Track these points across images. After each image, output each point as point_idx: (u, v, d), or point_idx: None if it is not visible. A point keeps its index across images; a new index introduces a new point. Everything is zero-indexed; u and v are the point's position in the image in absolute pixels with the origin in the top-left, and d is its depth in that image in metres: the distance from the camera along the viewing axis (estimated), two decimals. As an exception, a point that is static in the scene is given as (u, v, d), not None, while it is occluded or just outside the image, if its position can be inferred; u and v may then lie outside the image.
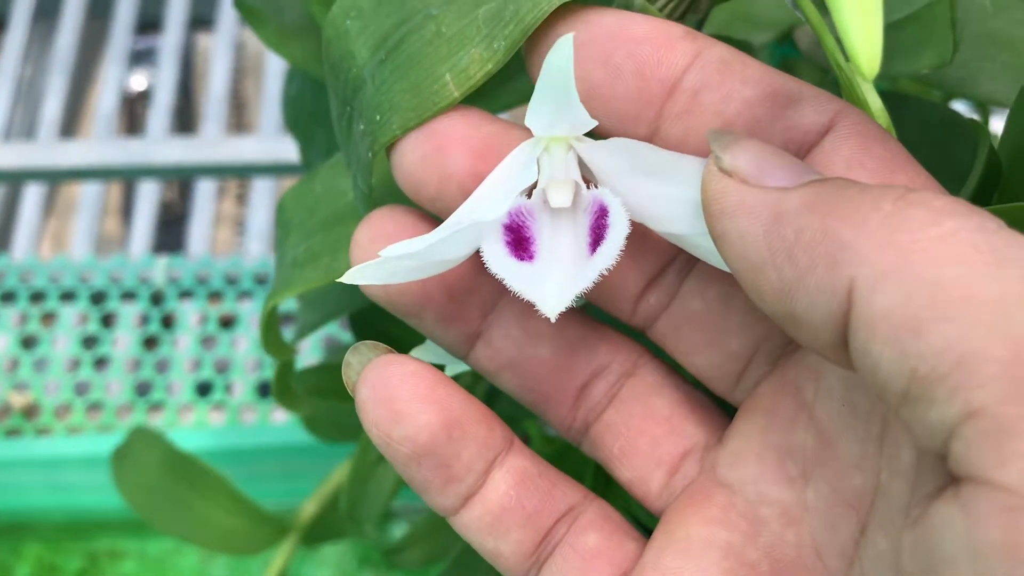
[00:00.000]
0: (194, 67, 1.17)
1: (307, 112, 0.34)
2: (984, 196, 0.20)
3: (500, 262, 0.18)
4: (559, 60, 0.16)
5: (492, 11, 0.17)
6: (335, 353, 0.39)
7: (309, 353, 0.62)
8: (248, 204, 0.93)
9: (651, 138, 0.18)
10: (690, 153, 0.18)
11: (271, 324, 0.28)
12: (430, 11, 0.18)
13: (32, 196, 0.88)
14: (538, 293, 0.17)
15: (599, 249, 0.17)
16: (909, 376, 0.14)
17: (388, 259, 0.18)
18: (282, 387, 0.33)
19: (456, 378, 0.21)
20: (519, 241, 0.18)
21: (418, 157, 0.19)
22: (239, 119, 1.22)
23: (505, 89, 0.20)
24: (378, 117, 0.18)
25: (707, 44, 0.18)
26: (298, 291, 0.25)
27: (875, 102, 0.19)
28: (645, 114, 0.18)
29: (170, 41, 0.96)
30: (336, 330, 0.61)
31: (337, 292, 0.29)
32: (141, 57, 1.15)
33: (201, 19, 1.01)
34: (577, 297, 0.17)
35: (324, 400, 0.32)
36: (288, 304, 0.53)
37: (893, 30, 0.23)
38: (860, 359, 0.15)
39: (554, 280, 0.17)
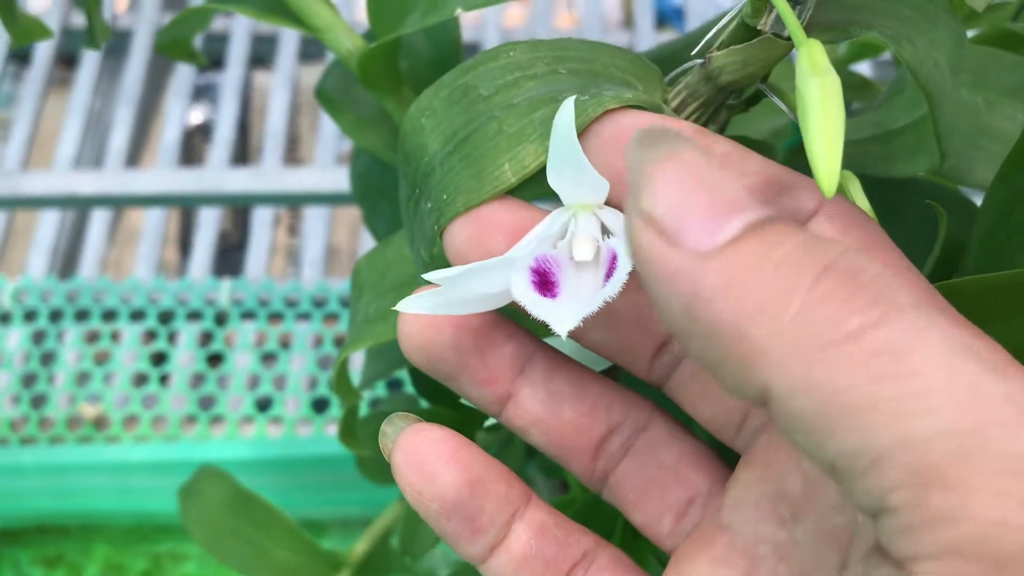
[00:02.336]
0: (252, 102, 1.22)
1: (374, 187, 0.38)
2: (946, 267, 0.24)
3: (525, 294, 0.20)
4: (562, 124, 0.19)
5: (546, 115, 0.21)
6: (393, 401, 0.42)
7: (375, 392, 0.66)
8: (301, 235, 0.97)
9: None
10: None
11: (343, 372, 0.32)
12: (493, 113, 0.22)
13: (98, 223, 0.93)
14: (553, 316, 0.20)
15: (608, 282, 0.20)
16: (830, 465, 0.15)
17: (437, 291, 0.21)
18: (347, 429, 0.36)
19: (496, 432, 0.24)
20: (544, 283, 0.20)
21: (466, 237, 0.21)
22: (293, 153, 1.27)
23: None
24: (444, 197, 0.22)
25: (715, 140, 0.20)
26: (369, 344, 0.29)
27: (861, 199, 0.22)
28: None
29: (231, 78, 1.01)
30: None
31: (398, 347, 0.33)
32: (201, 92, 1.21)
33: (260, 58, 1.06)
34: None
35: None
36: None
37: (895, 136, 0.26)
38: (784, 434, 0.16)
39: (569, 307, 0.20)
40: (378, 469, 0.41)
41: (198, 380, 0.69)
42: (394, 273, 0.31)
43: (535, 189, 0.22)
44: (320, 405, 0.68)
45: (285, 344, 0.71)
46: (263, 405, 0.68)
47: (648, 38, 0.99)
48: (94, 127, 1.06)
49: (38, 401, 0.69)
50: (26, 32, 0.34)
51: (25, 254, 0.91)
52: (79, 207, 0.89)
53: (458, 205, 0.21)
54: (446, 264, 0.22)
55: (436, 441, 0.22)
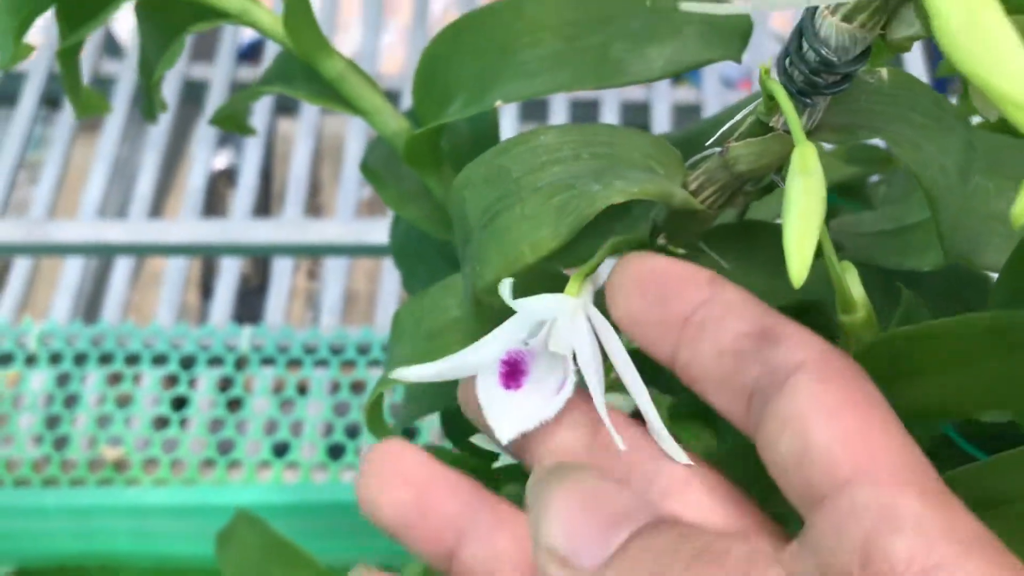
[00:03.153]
0: (275, 148, 1.24)
1: (412, 251, 0.40)
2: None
3: (487, 391, 0.22)
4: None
5: (562, 202, 0.22)
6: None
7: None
8: (321, 280, 0.99)
9: (672, 357, 0.22)
10: (692, 370, 0.22)
11: (376, 408, 0.33)
12: (521, 195, 0.23)
13: (122, 267, 0.95)
14: (496, 422, 0.22)
15: (554, 399, 0.22)
16: None
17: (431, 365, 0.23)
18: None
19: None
20: (513, 372, 0.22)
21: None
22: (315, 200, 1.29)
23: (567, 253, 0.25)
24: (477, 267, 0.24)
25: (722, 288, 0.22)
26: (401, 383, 0.31)
27: (856, 288, 0.23)
28: (668, 337, 0.22)
29: (256, 125, 1.03)
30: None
31: (433, 391, 0.34)
32: (226, 138, 1.23)
33: (285, 106, 1.09)
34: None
35: None
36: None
37: (909, 231, 0.28)
38: None
39: (515, 415, 0.22)
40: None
41: (217, 425, 0.71)
42: (429, 321, 0.32)
43: (551, 262, 0.23)
44: (336, 451, 0.69)
45: (302, 390, 0.72)
46: (280, 450, 0.69)
47: (665, 95, 1.01)
48: (121, 171, 1.08)
49: (60, 443, 0.71)
50: (88, 105, 0.36)
51: (49, 297, 0.93)
52: (104, 255, 0.91)
53: (487, 277, 0.23)
54: (488, 314, 0.24)
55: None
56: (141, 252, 0.86)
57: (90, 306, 0.98)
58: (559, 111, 1.01)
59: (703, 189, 0.24)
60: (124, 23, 1.21)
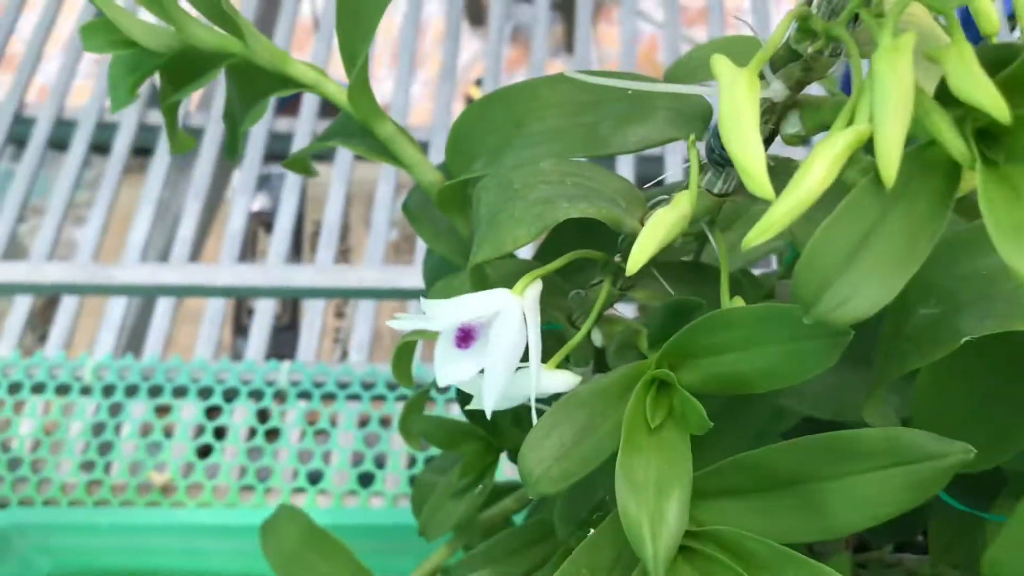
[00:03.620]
0: (307, 192, 1.31)
1: (446, 269, 0.46)
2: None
3: (443, 345, 0.28)
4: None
5: (539, 212, 0.28)
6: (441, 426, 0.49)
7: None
8: (349, 318, 1.05)
9: None
10: None
11: (403, 354, 0.40)
12: (516, 201, 0.29)
13: (163, 305, 1.00)
14: (440, 370, 0.28)
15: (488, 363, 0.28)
16: None
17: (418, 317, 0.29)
18: (406, 420, 0.44)
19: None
20: (465, 337, 0.28)
21: None
22: (344, 243, 1.36)
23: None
24: (476, 249, 0.30)
25: None
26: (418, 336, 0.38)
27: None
28: None
29: (293, 175, 1.09)
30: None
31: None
32: (262, 181, 1.30)
33: (320, 153, 1.15)
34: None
35: (431, 439, 0.43)
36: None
37: None
38: None
39: (456, 367, 0.28)
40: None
41: (256, 453, 0.77)
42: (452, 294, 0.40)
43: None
44: (365, 479, 0.75)
45: (335, 422, 0.78)
46: (313, 478, 0.75)
47: (679, 146, 1.07)
48: (163, 214, 1.14)
49: (111, 468, 0.77)
50: (181, 144, 0.42)
51: (94, 333, 0.99)
52: (151, 296, 0.97)
53: (481, 256, 0.29)
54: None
55: None
56: (184, 294, 0.92)
57: (132, 341, 1.04)
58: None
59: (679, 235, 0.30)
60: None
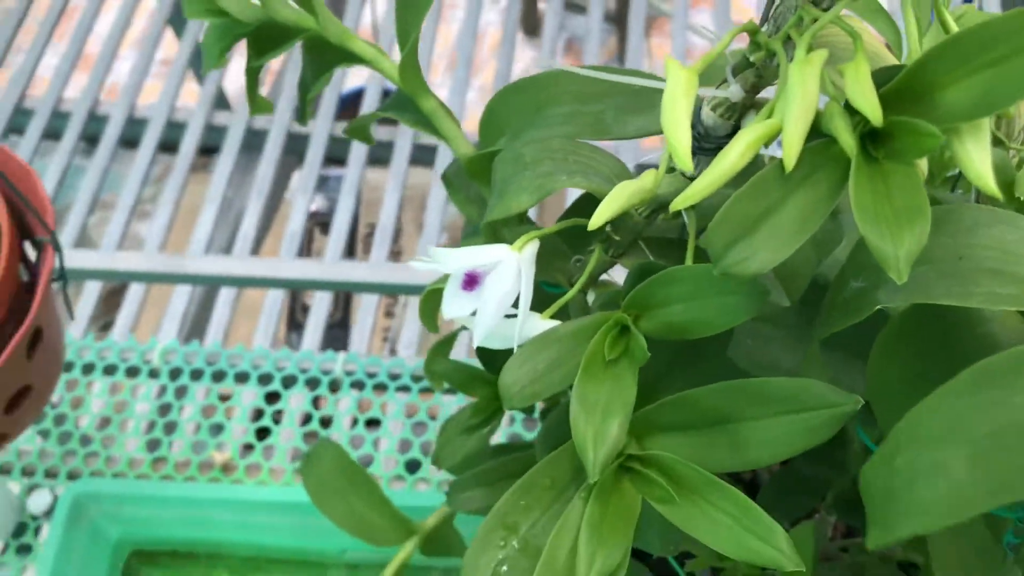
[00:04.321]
0: (363, 194, 1.36)
1: (473, 231, 0.51)
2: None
3: (451, 287, 0.33)
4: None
5: (541, 182, 0.33)
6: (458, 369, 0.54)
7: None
8: (398, 317, 1.09)
9: None
10: None
11: (430, 300, 0.44)
12: (524, 172, 0.34)
13: (224, 296, 1.06)
14: (447, 306, 0.33)
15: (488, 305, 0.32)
16: None
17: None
18: (431, 362, 0.49)
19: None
20: (470, 281, 0.33)
21: None
22: (396, 245, 1.40)
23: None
24: (490, 209, 0.35)
25: None
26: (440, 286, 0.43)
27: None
28: None
29: (350, 176, 1.14)
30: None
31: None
32: (320, 182, 1.35)
33: (377, 158, 1.20)
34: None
35: (450, 380, 0.48)
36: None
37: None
38: None
39: (460, 303, 0.33)
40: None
41: (310, 437, 0.81)
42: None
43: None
44: (412, 466, 0.79)
45: (385, 411, 0.83)
46: (364, 462, 0.79)
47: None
48: (227, 211, 1.20)
49: (174, 446, 0.82)
50: (259, 106, 0.47)
51: (159, 321, 1.04)
52: (213, 284, 1.02)
53: (493, 215, 0.34)
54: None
55: None
56: (248, 284, 0.97)
57: (193, 331, 1.10)
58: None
59: (640, 204, 0.34)
60: (232, 83, 1.33)
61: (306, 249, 1.41)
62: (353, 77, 1.51)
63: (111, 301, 1.21)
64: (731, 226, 0.26)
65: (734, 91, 0.30)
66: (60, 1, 1.33)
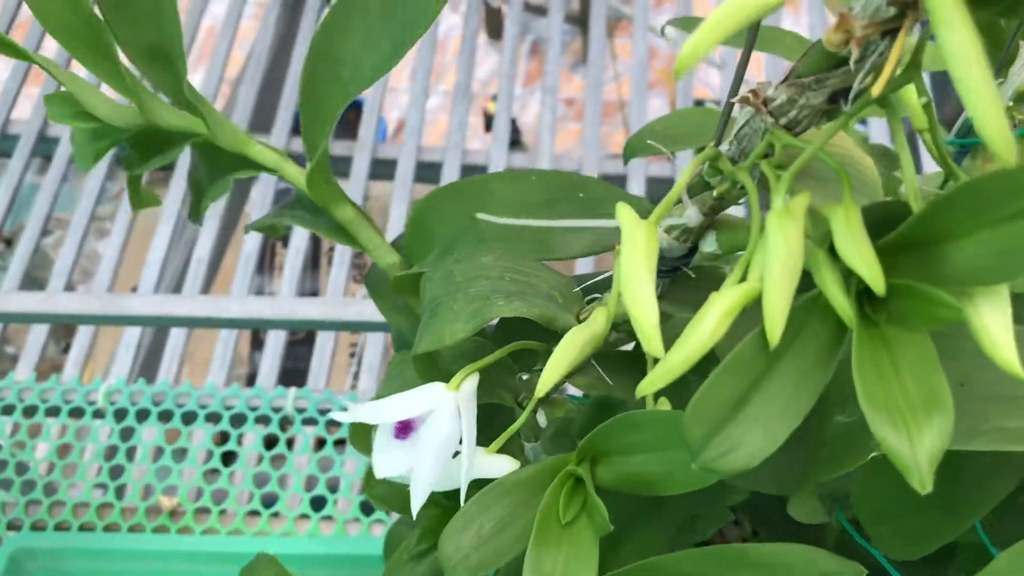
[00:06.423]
0: (325, 208, 1.32)
1: (403, 343, 0.47)
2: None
3: (382, 433, 0.29)
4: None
5: (476, 308, 0.29)
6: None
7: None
8: (365, 336, 1.06)
9: None
10: None
11: (359, 432, 0.41)
12: (456, 294, 0.31)
13: (173, 342, 1.02)
14: (378, 461, 0.29)
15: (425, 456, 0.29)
16: None
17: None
18: (370, 484, 0.45)
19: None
20: (404, 428, 0.29)
21: None
22: (360, 258, 1.37)
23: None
24: (418, 340, 0.31)
25: None
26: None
27: None
28: None
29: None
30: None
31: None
32: (279, 196, 1.31)
33: (337, 170, 1.16)
34: None
35: (391, 504, 0.44)
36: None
37: None
38: None
39: (393, 459, 0.29)
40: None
41: (262, 479, 0.78)
42: (404, 374, 0.41)
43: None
44: (368, 508, 0.76)
45: (340, 449, 0.79)
46: (317, 504, 0.76)
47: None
48: (181, 229, 1.16)
49: (122, 491, 0.78)
50: (143, 202, 0.43)
51: (111, 355, 1.01)
52: (166, 325, 0.99)
53: (421, 348, 0.30)
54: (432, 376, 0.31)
55: None
56: (197, 325, 0.94)
57: (149, 356, 1.06)
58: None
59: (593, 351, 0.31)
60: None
61: (267, 263, 1.38)
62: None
63: (67, 329, 1.17)
64: (710, 411, 0.22)
65: (691, 215, 0.27)
66: (8, 15, 1.28)
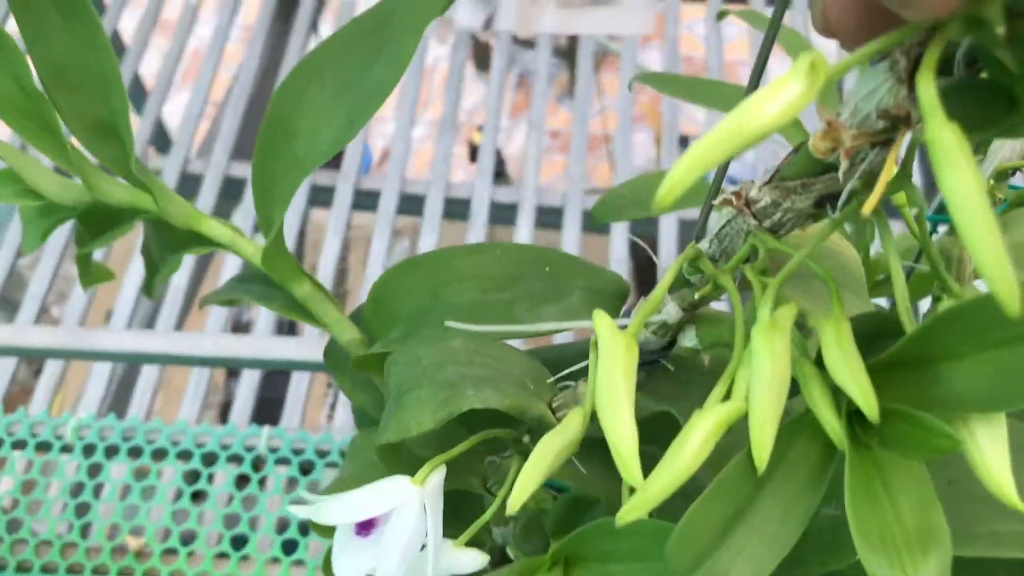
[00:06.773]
0: (307, 236, 1.31)
1: (367, 421, 0.45)
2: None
3: (343, 530, 0.27)
4: None
5: (444, 397, 0.28)
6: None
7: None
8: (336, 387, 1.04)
9: None
10: None
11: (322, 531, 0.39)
12: (423, 380, 0.29)
13: (147, 374, 1.00)
14: (337, 561, 0.27)
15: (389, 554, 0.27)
16: None
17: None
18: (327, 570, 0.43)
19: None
20: (366, 525, 0.27)
21: None
22: (340, 288, 1.35)
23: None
24: (383, 428, 0.29)
25: None
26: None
27: None
28: None
29: (290, 219, 1.09)
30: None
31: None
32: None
33: (318, 200, 1.15)
34: None
35: None
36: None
37: None
38: None
39: (355, 559, 0.27)
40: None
41: (232, 520, 0.76)
42: (367, 455, 0.39)
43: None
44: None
45: (313, 490, 0.78)
46: (289, 548, 0.74)
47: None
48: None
49: (87, 530, 0.76)
50: (96, 278, 0.42)
51: (82, 383, 0.99)
52: (136, 362, 0.97)
53: (388, 435, 0.29)
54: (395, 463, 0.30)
55: None
56: (169, 362, 0.92)
57: (122, 385, 1.04)
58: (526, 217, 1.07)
59: (564, 407, 0.30)
60: (173, 118, 1.28)
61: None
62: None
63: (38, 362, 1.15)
64: (696, 538, 0.21)
65: (671, 312, 0.26)
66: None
